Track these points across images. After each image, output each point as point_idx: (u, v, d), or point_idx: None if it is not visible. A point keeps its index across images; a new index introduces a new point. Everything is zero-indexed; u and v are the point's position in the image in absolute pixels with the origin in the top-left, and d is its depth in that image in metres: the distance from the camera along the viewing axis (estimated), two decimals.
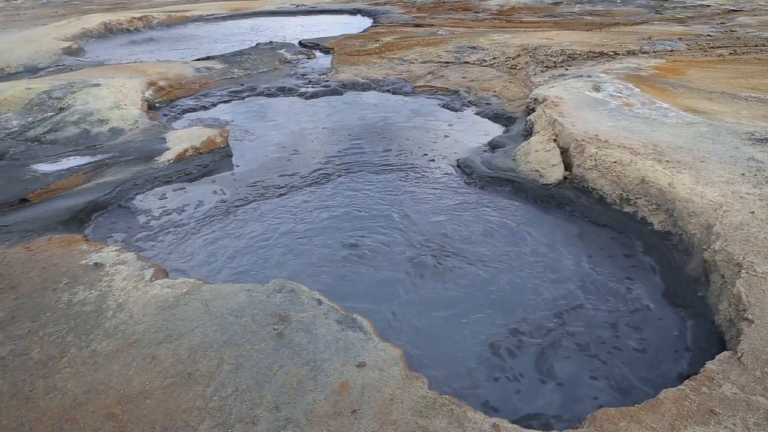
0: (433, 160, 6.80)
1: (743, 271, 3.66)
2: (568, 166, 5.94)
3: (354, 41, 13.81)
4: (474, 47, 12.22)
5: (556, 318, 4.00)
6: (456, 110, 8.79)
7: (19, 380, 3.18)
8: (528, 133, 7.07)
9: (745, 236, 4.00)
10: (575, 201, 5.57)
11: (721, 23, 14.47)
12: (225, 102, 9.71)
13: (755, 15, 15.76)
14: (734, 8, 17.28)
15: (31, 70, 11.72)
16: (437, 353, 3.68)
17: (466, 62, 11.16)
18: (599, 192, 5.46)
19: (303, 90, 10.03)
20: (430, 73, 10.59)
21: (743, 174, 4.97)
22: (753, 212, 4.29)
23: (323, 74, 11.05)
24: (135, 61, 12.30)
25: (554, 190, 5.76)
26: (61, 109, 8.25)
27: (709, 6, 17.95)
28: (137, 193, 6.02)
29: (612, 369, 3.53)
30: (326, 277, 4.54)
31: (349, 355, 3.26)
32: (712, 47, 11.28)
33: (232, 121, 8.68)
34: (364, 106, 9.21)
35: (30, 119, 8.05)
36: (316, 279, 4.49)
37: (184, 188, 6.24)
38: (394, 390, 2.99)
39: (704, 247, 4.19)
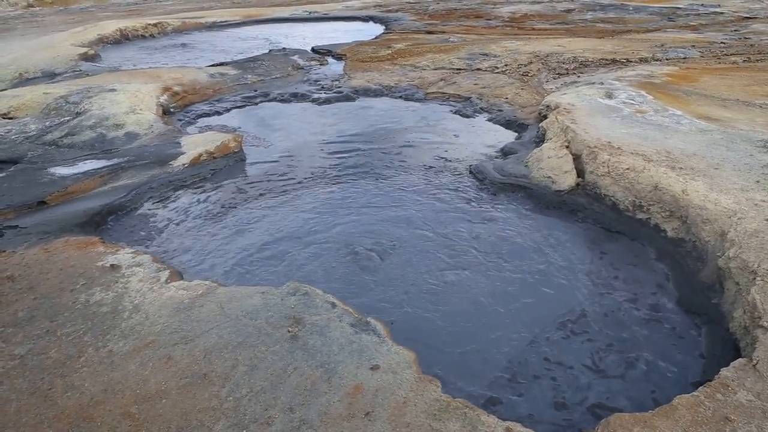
0: (446, 167, 6.82)
1: (758, 278, 3.64)
2: (580, 173, 5.93)
3: (366, 48, 13.89)
4: (486, 54, 12.25)
5: (567, 324, 3.99)
6: (468, 117, 8.81)
7: (37, 379, 3.24)
8: (540, 139, 7.08)
9: (760, 244, 3.98)
10: (588, 207, 5.57)
11: (735, 30, 14.39)
12: (239, 107, 9.81)
13: None
14: (748, 15, 17.18)
15: (49, 76, 11.90)
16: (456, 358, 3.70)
17: (478, 69, 11.20)
18: (612, 199, 5.45)
19: (316, 96, 10.11)
20: (442, 79, 10.63)
21: (758, 181, 4.94)
22: None
23: (336, 80, 11.12)
24: (150, 67, 12.46)
25: (567, 197, 5.76)
26: (78, 114, 8.38)
27: (722, 13, 17.86)
28: (152, 197, 6.10)
29: (625, 375, 3.52)
30: (340, 281, 4.57)
31: (362, 357, 3.29)
32: (725, 54, 11.23)
33: (246, 126, 8.76)
34: (377, 112, 9.26)
35: (47, 123, 8.19)
36: (330, 282, 4.51)
37: (199, 192, 6.31)
38: (407, 393, 3.00)
39: (718, 254, 4.17)
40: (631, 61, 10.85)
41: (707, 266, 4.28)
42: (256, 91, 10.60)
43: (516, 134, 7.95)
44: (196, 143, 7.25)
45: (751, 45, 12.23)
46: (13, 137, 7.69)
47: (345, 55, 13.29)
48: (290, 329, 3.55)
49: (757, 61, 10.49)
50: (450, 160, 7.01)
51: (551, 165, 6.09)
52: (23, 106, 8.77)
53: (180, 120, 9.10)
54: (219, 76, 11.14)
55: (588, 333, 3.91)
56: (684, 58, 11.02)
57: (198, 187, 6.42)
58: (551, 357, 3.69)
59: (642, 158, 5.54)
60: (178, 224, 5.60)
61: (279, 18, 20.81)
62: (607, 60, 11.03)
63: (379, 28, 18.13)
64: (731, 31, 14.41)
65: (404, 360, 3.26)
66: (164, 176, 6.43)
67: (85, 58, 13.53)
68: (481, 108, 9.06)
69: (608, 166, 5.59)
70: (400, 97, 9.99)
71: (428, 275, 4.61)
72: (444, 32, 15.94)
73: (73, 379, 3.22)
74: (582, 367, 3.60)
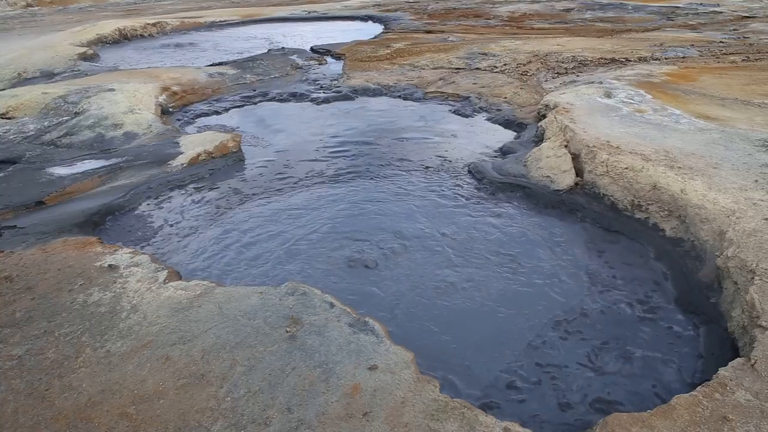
0: (444, 166, 6.82)
1: (757, 278, 3.64)
2: (579, 172, 5.93)
3: (365, 47, 13.88)
4: (485, 53, 12.25)
5: (566, 324, 3.99)
6: (467, 116, 8.80)
7: (35, 379, 3.23)
8: (539, 139, 7.08)
9: (758, 243, 3.98)
10: (586, 207, 5.56)
11: (734, 30, 14.39)
12: (237, 107, 9.80)
13: None
14: (747, 15, 17.18)
15: (48, 75, 11.89)
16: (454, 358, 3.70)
17: (477, 68, 11.19)
18: (610, 198, 5.45)
19: (314, 95, 10.10)
20: (441, 79, 10.62)
21: (756, 181, 4.94)
22: (767, 219, 4.26)
23: (335, 80, 11.11)
24: (149, 67, 12.45)
25: (565, 196, 5.76)
26: (77, 114, 8.37)
27: (721, 12, 17.86)
28: (151, 197, 6.09)
29: (623, 374, 3.52)
30: (338, 280, 4.57)
31: (361, 357, 3.28)
32: (724, 54, 11.22)
33: (244, 125, 8.76)
34: (375, 111, 9.25)
35: (46, 123, 8.18)
36: (328, 281, 4.51)
37: (197, 192, 6.30)
38: (405, 393, 3.00)
39: (717, 253, 4.17)
40: (630, 61, 10.85)
41: (706, 265, 4.28)
42: (254, 90, 10.59)
43: (515, 133, 7.94)
44: (194, 143, 7.25)
45: (750, 44, 12.23)
46: (11, 137, 7.69)
47: (344, 54, 13.28)
48: (288, 329, 3.54)
49: (756, 60, 10.49)
50: (449, 160, 7.01)
51: (550, 164, 6.09)
52: (22, 105, 8.77)
53: (178, 120, 9.09)
54: (218, 76, 11.13)
55: (585, 332, 3.90)
56: (683, 58, 11.02)
57: (196, 187, 6.41)
58: (549, 356, 3.69)
59: (641, 157, 5.54)
60: (176, 224, 5.59)
61: (278, 18, 20.80)
62: (606, 59, 11.03)
63: (378, 28, 18.12)
64: (730, 30, 14.41)
65: (402, 360, 3.26)
66: (163, 176, 6.42)
67: (84, 57, 13.52)
68: (479, 107, 9.05)
69: (607, 166, 5.59)
70: (399, 96, 9.98)
71: (426, 274, 4.61)
72: (443, 32, 15.93)
73: (70, 380, 3.22)
74: (579, 366, 3.60)
